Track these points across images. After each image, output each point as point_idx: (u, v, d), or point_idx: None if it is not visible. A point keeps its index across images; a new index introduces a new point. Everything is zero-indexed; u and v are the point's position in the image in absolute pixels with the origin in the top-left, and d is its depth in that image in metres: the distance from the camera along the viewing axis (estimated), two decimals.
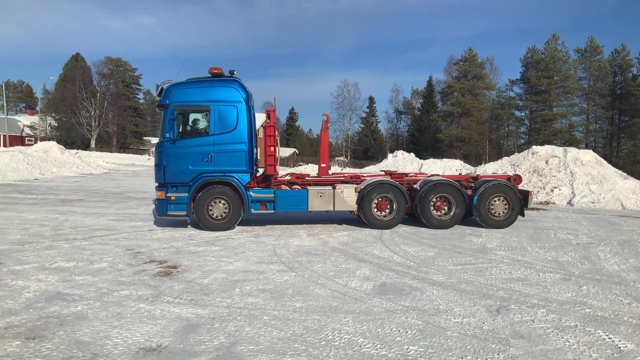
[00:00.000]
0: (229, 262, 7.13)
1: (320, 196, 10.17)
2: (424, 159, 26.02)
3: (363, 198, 10.31)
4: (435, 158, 26.60)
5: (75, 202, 14.05)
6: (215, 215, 9.90)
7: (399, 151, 27.42)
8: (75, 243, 8.34)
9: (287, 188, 10.38)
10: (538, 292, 5.82)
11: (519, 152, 21.59)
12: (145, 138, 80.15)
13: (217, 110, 9.81)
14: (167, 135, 9.78)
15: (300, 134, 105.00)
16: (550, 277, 6.54)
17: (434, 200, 10.45)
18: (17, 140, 68.98)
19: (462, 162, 25.01)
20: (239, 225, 10.24)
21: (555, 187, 16.68)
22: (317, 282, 6.12)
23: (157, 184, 10.01)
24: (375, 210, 10.45)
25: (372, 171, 24.70)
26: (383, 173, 11.79)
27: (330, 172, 11.59)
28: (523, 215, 10.77)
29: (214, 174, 9.83)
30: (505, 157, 21.15)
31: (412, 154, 26.78)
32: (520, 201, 10.48)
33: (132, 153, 62.62)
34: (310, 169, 47.03)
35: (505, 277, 6.54)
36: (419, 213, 10.52)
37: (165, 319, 4.71)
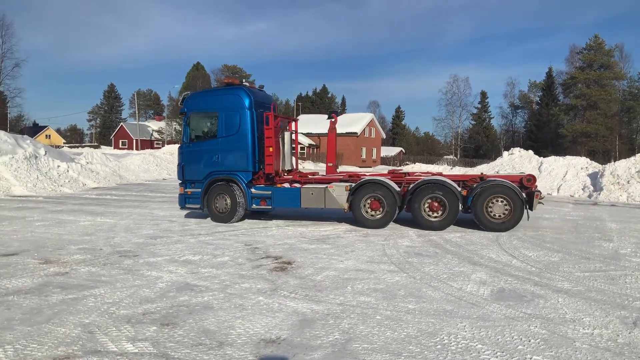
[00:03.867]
0: (340, 261, 7.24)
1: (312, 194, 10.54)
2: (543, 157, 24.23)
3: (353, 196, 10.26)
4: (556, 155, 24.62)
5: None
6: (219, 209, 10.96)
7: (515, 149, 25.81)
8: (200, 238, 9.01)
9: (288, 186, 10.89)
10: None
11: None
12: None
13: (224, 116, 10.90)
14: (185, 139, 11.33)
15: (407, 132, 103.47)
16: None
17: (427, 200, 10.01)
18: (147, 144, 76.34)
19: (587, 159, 22.88)
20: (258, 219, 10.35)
21: None
22: (429, 285, 5.99)
23: (179, 181, 11.44)
24: (367, 209, 10.30)
25: (440, 170, 23.59)
26: (386, 172, 11.60)
27: (337, 170, 11.79)
28: (527, 217, 9.96)
29: (221, 172, 10.94)
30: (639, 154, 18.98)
31: (530, 152, 25.06)
32: (523, 203, 9.65)
33: None
34: (417, 169, 46.18)
35: None
36: (411, 213, 10.17)
37: (283, 312, 4.91)
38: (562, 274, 6.56)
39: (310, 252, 7.82)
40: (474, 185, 10.01)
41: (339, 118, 63.13)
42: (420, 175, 11.01)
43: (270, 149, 10.79)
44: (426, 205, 10.03)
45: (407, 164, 52.67)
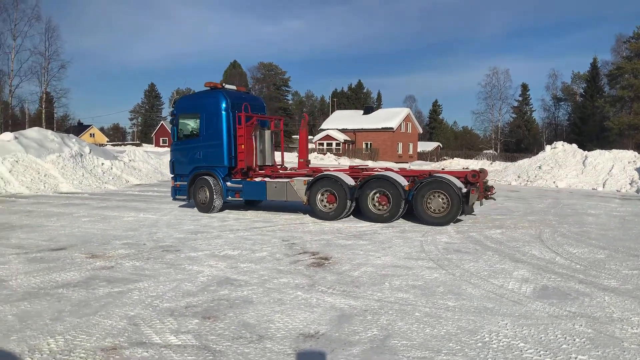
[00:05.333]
0: (377, 257, 7.22)
1: (275, 187, 11.37)
2: (588, 151, 23.37)
3: (310, 190, 10.86)
4: (601, 149, 23.69)
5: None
6: (201, 200, 12.16)
7: (558, 142, 24.98)
8: (239, 233, 9.16)
9: (263, 180, 11.65)
10: None
11: None
12: (293, 136, 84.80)
13: (205, 117, 12.00)
14: (175, 138, 12.54)
15: (445, 127, 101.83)
16: None
17: (374, 194, 10.41)
18: None
19: (635, 152, 21.91)
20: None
21: None
22: (469, 282, 5.89)
23: (171, 176, 12.86)
24: (324, 202, 10.88)
25: (480, 165, 23.20)
26: (347, 168, 12.30)
27: (309, 165, 12.92)
28: (464, 212, 10.17)
29: (202, 167, 12.12)
30: None
31: (574, 145, 24.21)
32: (460, 198, 9.66)
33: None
34: (456, 164, 45.44)
35: None
36: (360, 206, 10.57)
37: (321, 307, 4.94)
38: (609, 271, 6.33)
39: (347, 248, 7.83)
40: (416, 181, 10.23)
41: (374, 113, 62.98)
42: (379, 171, 11.17)
43: (242, 147, 11.70)
44: (375, 198, 10.44)
45: (444, 159, 51.80)
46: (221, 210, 12.27)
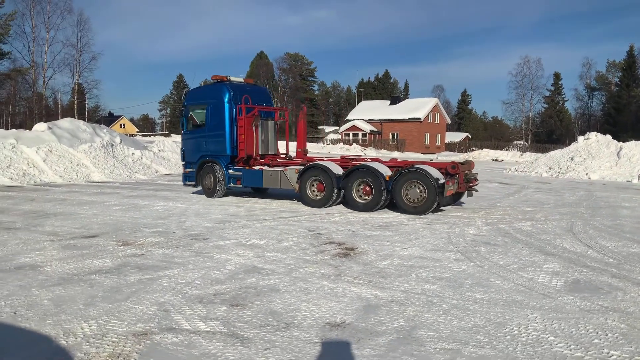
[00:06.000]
0: (404, 248, 7.18)
1: (271, 175, 11.92)
2: (622, 142, 22.64)
3: (301, 179, 11.33)
4: (637, 140, 22.90)
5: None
6: (207, 185, 12.93)
7: (592, 133, 24.27)
8: (265, 223, 9.24)
9: (261, 168, 12.22)
10: None
11: None
12: (319, 127, 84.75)
13: (210, 108, 12.70)
14: (185, 128, 13.38)
15: (474, 117, 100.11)
16: None
17: (358, 184, 10.75)
18: None
19: None
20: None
21: None
22: (498, 274, 5.81)
23: (182, 163, 13.81)
24: (313, 190, 11.34)
25: (510, 155, 22.72)
26: (339, 158, 12.68)
27: (307, 154, 13.32)
28: (440, 203, 10.35)
29: (208, 155, 12.88)
30: None
31: (608, 136, 23.49)
32: (435, 189, 9.89)
33: (309, 142, 66.57)
34: (485, 155, 44.68)
35: None
36: (345, 196, 11.00)
37: (347, 297, 4.95)
38: None
39: (373, 239, 7.81)
40: (396, 171, 10.47)
41: (401, 103, 62.38)
42: (365, 161, 11.53)
43: (242, 137, 12.36)
44: (359, 188, 10.78)
45: (473, 150, 51.06)
46: (225, 195, 13.00)
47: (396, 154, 47.34)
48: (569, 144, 26.93)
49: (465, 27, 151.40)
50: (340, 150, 49.47)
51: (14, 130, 20.84)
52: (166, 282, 5.42)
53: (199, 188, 13.44)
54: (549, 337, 3.99)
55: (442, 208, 11.05)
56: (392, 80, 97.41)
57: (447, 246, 7.31)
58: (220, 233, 8.21)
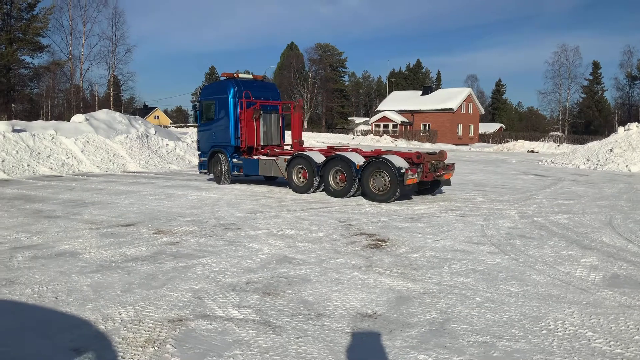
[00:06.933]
0: (436, 240, 7.10)
1: (265, 164, 13.05)
2: None
3: (289, 167, 12.27)
4: None
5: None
6: (216, 173, 14.16)
7: (633, 124, 23.36)
8: (296, 214, 9.28)
9: (259, 157, 13.28)
10: None
11: None
12: (350, 118, 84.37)
13: (218, 103, 13.81)
14: (199, 121, 14.65)
15: (508, 107, 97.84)
16: None
17: (335, 173, 11.49)
18: None
19: None
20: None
21: None
22: (534, 268, 5.68)
23: (198, 152, 15.03)
24: (299, 177, 12.24)
25: (547, 147, 22.10)
26: (325, 148, 13.82)
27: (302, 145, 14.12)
28: (403, 191, 10.65)
29: (216, 146, 13.99)
30: None
31: None
32: (397, 177, 10.30)
33: (339, 133, 66.51)
34: (520, 146, 43.64)
35: None
36: (324, 183, 11.74)
37: (378, 288, 4.94)
38: None
39: (404, 231, 7.75)
40: (365, 161, 11.01)
41: (433, 93, 61.59)
42: (345, 151, 12.19)
43: (243, 129, 13.36)
44: (337, 176, 11.49)
45: (507, 141, 49.89)
46: (232, 182, 14.11)
47: (427, 145, 46.76)
48: (608, 135, 26.02)
49: (500, 14, 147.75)
50: (370, 141, 49.19)
51: (53, 121, 21.54)
52: (200, 270, 5.52)
53: (211, 175, 14.55)
54: (587, 332, 3.89)
55: (413, 197, 11.46)
56: (424, 70, 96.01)
57: (481, 239, 7.19)
58: (252, 223, 8.30)
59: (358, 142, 48.57)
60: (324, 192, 11.83)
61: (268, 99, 14.16)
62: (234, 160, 13.65)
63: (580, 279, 5.25)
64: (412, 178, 10.45)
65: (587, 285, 5.06)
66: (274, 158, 12.92)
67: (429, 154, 11.47)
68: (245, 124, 13.36)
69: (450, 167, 11.56)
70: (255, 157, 13.35)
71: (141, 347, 3.61)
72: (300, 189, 12.17)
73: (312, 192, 12.01)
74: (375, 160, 10.82)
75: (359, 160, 11.04)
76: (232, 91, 13.47)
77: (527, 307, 4.43)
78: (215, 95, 14.04)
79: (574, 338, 3.78)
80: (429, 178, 11.12)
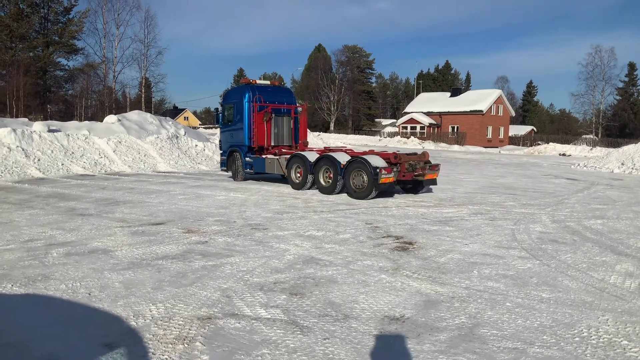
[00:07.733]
0: (465, 244, 7.01)
1: (270, 163, 14.02)
2: None
3: (288, 165, 13.24)
4: None
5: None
6: (233, 170, 15.36)
7: None
8: (322, 215, 9.30)
9: (266, 157, 14.26)
10: None
11: None
12: (376, 120, 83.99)
13: (236, 107, 14.98)
14: (221, 123, 15.90)
15: (540, 109, 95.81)
16: None
17: (324, 171, 12.30)
18: None
19: None
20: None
21: None
22: (566, 274, 5.55)
23: (220, 152, 16.34)
24: (297, 175, 13.14)
25: (579, 150, 21.53)
26: (322, 149, 14.69)
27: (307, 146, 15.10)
28: (378, 189, 11.15)
29: (234, 146, 15.21)
30: None
31: None
32: (372, 176, 10.93)
33: (366, 135, 66.22)
34: (551, 149, 42.66)
35: None
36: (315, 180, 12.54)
37: (406, 291, 4.90)
38: None
39: (432, 234, 7.67)
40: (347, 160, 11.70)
41: (462, 95, 60.88)
42: (337, 151, 13.02)
43: (255, 130, 14.43)
44: (326, 174, 12.29)
45: (538, 144, 48.89)
46: (246, 179, 15.27)
47: (455, 148, 46.17)
48: None
49: (532, 15, 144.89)
50: (397, 143, 48.85)
51: (87, 122, 22.15)
52: (228, 269, 5.59)
53: (230, 173, 15.70)
54: (622, 340, 3.77)
55: (395, 195, 12.12)
56: (452, 72, 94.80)
57: (511, 243, 7.06)
58: (279, 224, 8.35)
59: (385, 144, 48.31)
60: (345, 194, 12.07)
61: (282, 103, 15.23)
62: (247, 159, 14.75)
63: (615, 286, 5.10)
64: (386, 177, 11.07)
65: (622, 292, 4.91)
66: (276, 157, 13.88)
67: (408, 154, 12.21)
68: (257, 125, 14.41)
69: (434, 168, 12.03)
70: (263, 156, 14.33)
71: (171, 344, 3.67)
72: (297, 185, 13.07)
73: (307, 188, 12.85)
74: (356, 160, 11.54)
75: (343, 159, 11.78)
76: (247, 95, 14.60)
77: (559, 313, 4.33)
78: (234, 99, 15.22)
79: (608, 346, 3.68)
80: (408, 177, 11.68)
